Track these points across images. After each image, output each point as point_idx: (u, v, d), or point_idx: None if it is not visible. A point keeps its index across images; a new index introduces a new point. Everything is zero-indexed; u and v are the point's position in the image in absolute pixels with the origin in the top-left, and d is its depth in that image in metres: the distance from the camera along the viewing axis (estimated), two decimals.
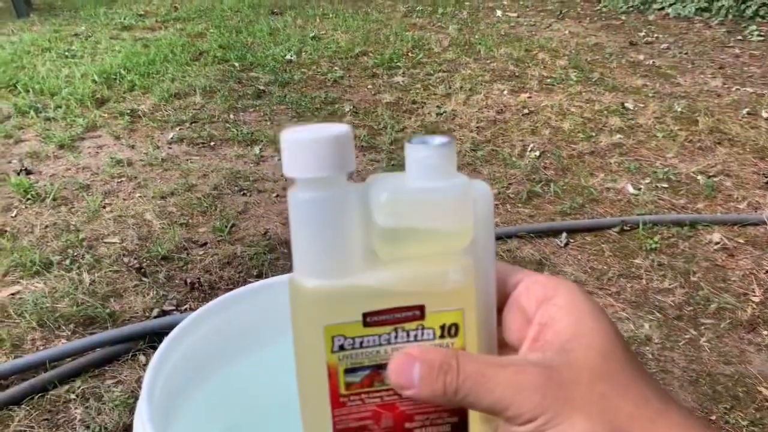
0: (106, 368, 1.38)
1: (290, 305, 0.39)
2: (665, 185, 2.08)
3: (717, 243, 1.78)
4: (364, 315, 0.38)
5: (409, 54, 3.37)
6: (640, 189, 2.06)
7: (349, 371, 0.39)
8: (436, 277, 0.39)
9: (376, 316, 0.38)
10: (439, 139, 0.37)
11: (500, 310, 0.41)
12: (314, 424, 0.41)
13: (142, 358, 1.40)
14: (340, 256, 0.38)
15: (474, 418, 0.41)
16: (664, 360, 1.41)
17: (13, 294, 1.56)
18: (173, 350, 0.67)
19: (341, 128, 0.36)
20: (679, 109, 2.66)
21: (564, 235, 1.81)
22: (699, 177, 2.13)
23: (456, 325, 0.39)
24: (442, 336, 0.39)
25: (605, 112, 2.65)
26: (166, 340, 0.67)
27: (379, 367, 0.39)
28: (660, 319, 1.52)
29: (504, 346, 0.42)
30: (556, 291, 0.38)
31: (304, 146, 0.36)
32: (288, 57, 3.28)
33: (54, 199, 1.95)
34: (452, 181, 0.37)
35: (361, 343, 0.38)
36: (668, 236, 1.80)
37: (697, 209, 1.95)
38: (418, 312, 0.38)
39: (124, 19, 3.98)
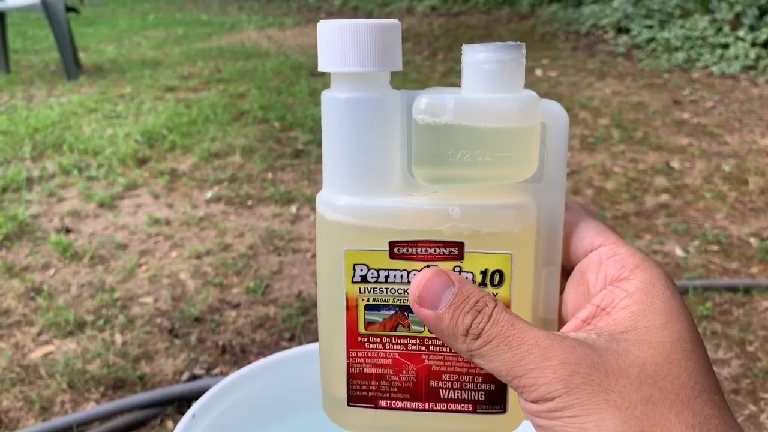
0: None
1: (316, 224, 0.33)
2: (716, 248, 2.00)
3: None
4: (391, 244, 0.32)
5: None
6: (688, 252, 1.98)
7: (370, 308, 0.33)
8: (482, 212, 0.31)
9: (406, 248, 0.32)
10: (506, 43, 0.29)
11: (564, 275, 0.34)
12: (329, 363, 0.35)
13: (170, 424, 1.36)
14: (374, 173, 0.32)
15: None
16: None
17: (45, 354, 1.55)
18: (195, 424, 0.63)
19: (389, 21, 0.31)
20: (728, 169, 2.58)
21: None
22: (752, 239, 2.04)
23: (501, 273, 0.32)
24: (482, 283, 0.32)
25: (650, 171, 2.59)
26: (187, 415, 0.63)
27: (406, 309, 0.33)
28: None
29: (558, 323, 0.35)
30: (633, 273, 0.29)
31: (344, 34, 0.30)
32: None
33: (91, 258, 1.95)
34: (515, 95, 0.30)
35: (387, 277, 0.32)
36: (721, 302, 1.71)
37: (750, 274, 1.86)
38: (455, 250, 0.32)
39: (169, 80, 4.08)
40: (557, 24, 5.88)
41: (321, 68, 0.31)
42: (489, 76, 0.30)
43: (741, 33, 4.31)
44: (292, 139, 3.00)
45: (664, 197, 2.36)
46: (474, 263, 0.32)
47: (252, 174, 2.59)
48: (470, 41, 0.31)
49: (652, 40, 4.84)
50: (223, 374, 1.47)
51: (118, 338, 1.58)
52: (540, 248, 0.33)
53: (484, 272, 0.32)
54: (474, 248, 0.32)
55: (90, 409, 1.37)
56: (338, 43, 0.30)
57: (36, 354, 1.54)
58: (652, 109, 3.38)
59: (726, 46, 4.32)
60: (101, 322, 1.65)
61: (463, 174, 0.31)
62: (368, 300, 0.33)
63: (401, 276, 0.33)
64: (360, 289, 0.33)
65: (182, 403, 1.37)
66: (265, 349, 1.55)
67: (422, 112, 0.30)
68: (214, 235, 2.10)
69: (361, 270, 0.33)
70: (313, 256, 1.96)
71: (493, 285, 0.32)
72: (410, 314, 0.33)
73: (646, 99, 3.58)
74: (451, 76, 4.17)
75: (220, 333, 1.61)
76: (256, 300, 1.74)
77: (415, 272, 0.32)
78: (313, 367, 0.66)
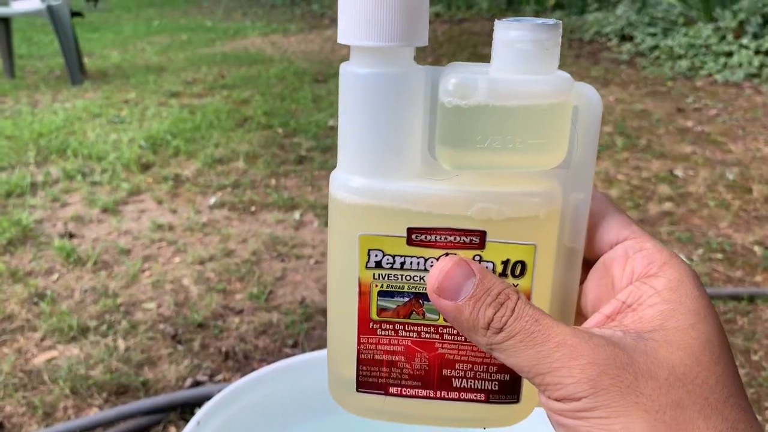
0: None
1: (329, 206, 0.32)
2: (720, 256, 1.99)
3: None
4: (409, 230, 0.30)
5: None
6: (693, 260, 1.97)
7: (384, 294, 0.32)
8: (506, 199, 0.30)
9: (424, 234, 0.31)
10: (541, 20, 0.28)
11: (586, 267, 0.33)
12: (338, 349, 0.34)
13: (173, 430, 1.36)
14: (392, 154, 0.30)
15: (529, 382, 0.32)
16: None
17: (49, 360, 1.54)
18: (200, 431, 0.63)
19: None
20: (732, 177, 2.58)
21: None
22: (756, 248, 2.04)
23: (523, 264, 0.31)
24: (503, 274, 0.31)
25: (654, 179, 2.58)
26: (191, 422, 0.63)
27: (421, 297, 0.32)
28: None
29: (577, 314, 0.34)
30: (661, 270, 0.28)
31: (368, 3, 0.27)
32: (330, 123, 3.31)
33: (95, 263, 1.95)
34: (549, 77, 0.28)
35: (402, 263, 0.31)
36: (725, 311, 1.70)
37: (755, 282, 1.85)
38: (476, 239, 0.30)
39: (173, 86, 4.09)
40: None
41: (341, 40, 0.29)
42: (523, 56, 0.28)
43: (745, 41, 4.31)
44: (295, 146, 3.00)
45: (668, 205, 2.35)
46: (495, 253, 0.31)
47: (255, 180, 2.59)
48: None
49: (655, 47, 4.84)
50: (226, 381, 1.47)
51: (121, 344, 1.58)
52: (564, 238, 0.32)
53: (505, 262, 0.31)
54: (496, 237, 0.31)
55: (93, 415, 1.37)
56: (361, 13, 0.28)
57: (39, 359, 1.54)
58: (656, 117, 3.38)
59: (729, 54, 4.32)
60: (104, 327, 1.65)
61: (492, 160, 0.29)
62: (382, 286, 0.32)
63: (418, 263, 0.31)
64: (374, 275, 0.32)
65: (185, 409, 1.37)
66: (268, 356, 1.55)
67: (450, 94, 0.29)
68: (218, 240, 2.10)
69: (376, 256, 0.31)
70: (317, 262, 1.96)
71: (514, 276, 0.31)
72: (425, 302, 0.32)
73: (650, 107, 3.58)
74: None
75: (223, 339, 1.60)
76: (259, 306, 1.74)
77: (433, 260, 0.31)
78: (319, 375, 0.66)
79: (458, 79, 0.29)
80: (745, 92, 3.83)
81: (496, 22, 0.29)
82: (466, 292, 0.29)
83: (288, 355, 1.55)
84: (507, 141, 0.29)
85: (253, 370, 1.51)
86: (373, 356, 0.33)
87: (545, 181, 0.31)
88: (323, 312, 1.70)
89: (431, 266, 0.31)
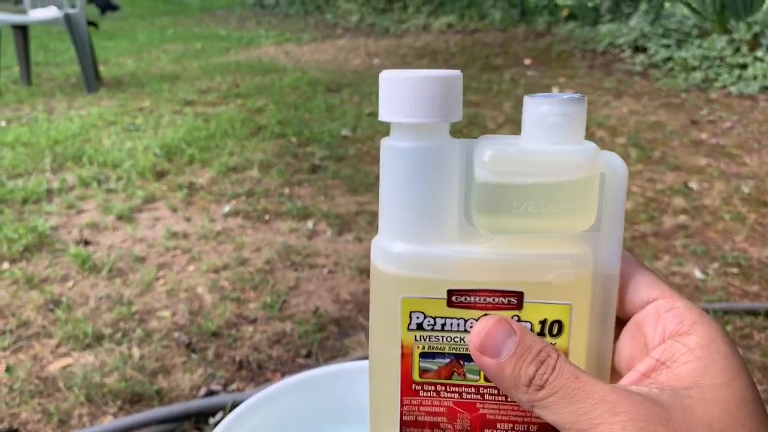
0: None
1: (371, 271, 0.34)
2: (735, 270, 1.98)
3: None
4: (449, 292, 0.32)
5: (463, 130, 3.38)
6: (708, 274, 1.96)
7: (425, 356, 0.33)
8: (541, 261, 0.32)
9: (464, 296, 0.32)
10: (567, 95, 0.30)
11: (618, 326, 0.34)
12: (380, 410, 0.35)
13: None
14: (431, 220, 0.32)
15: None
16: None
17: (64, 366, 1.55)
18: None
19: (451, 71, 0.32)
20: (747, 190, 2.56)
21: None
22: None
23: (560, 323, 0.32)
24: (541, 333, 0.32)
25: (668, 191, 2.57)
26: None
27: (461, 358, 0.33)
28: None
29: (611, 372, 0.35)
30: (692, 328, 0.29)
31: (407, 85, 0.31)
32: (343, 132, 3.32)
33: (110, 271, 1.96)
34: (577, 147, 0.31)
35: (443, 325, 0.33)
36: (741, 326, 1.69)
37: None
38: (514, 299, 0.32)
39: (187, 94, 4.11)
40: (574, 42, 5.88)
41: (382, 118, 0.32)
42: (553, 129, 0.31)
43: (759, 53, 4.30)
44: (308, 155, 3.01)
45: (683, 218, 2.34)
46: (533, 313, 0.32)
47: (269, 189, 2.60)
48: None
49: (669, 59, 4.83)
50: (240, 390, 1.47)
51: (136, 352, 1.59)
52: (597, 298, 0.34)
53: (543, 322, 0.33)
54: (533, 298, 0.32)
55: (107, 423, 1.37)
56: (401, 94, 0.31)
57: (54, 366, 1.55)
58: (670, 129, 3.37)
59: (744, 66, 4.31)
60: (119, 335, 1.65)
61: (526, 225, 0.31)
62: (424, 348, 0.33)
63: (458, 324, 0.33)
64: (416, 336, 0.33)
65: (199, 418, 1.37)
66: (282, 366, 1.55)
67: (486, 166, 0.31)
68: (232, 249, 2.10)
69: (418, 318, 0.33)
70: (330, 272, 1.96)
71: (551, 335, 0.33)
72: (466, 362, 0.33)
73: (664, 118, 3.57)
74: (467, 93, 4.18)
75: (237, 348, 1.61)
76: (272, 315, 1.74)
77: (473, 321, 0.32)
78: (341, 388, 0.66)
79: (493, 152, 0.31)
80: (759, 105, 3.82)
81: (526, 98, 0.32)
82: (507, 350, 0.30)
83: (301, 365, 1.55)
84: (540, 206, 0.31)
85: (266, 379, 1.51)
86: (416, 417, 0.34)
87: (577, 244, 0.33)
88: (336, 322, 1.71)
89: (471, 327, 0.32)
